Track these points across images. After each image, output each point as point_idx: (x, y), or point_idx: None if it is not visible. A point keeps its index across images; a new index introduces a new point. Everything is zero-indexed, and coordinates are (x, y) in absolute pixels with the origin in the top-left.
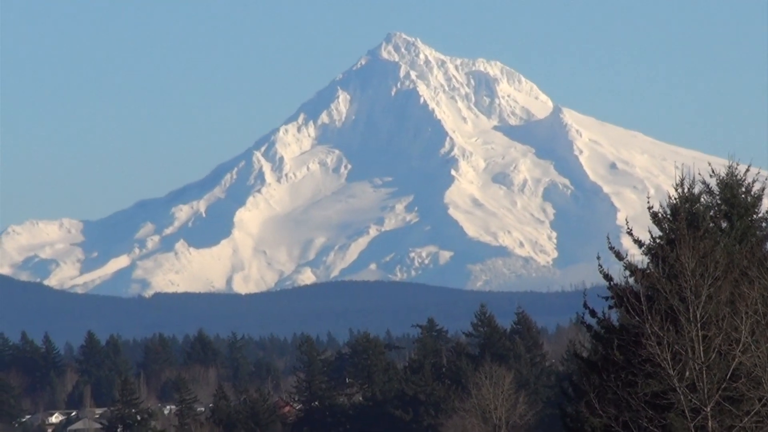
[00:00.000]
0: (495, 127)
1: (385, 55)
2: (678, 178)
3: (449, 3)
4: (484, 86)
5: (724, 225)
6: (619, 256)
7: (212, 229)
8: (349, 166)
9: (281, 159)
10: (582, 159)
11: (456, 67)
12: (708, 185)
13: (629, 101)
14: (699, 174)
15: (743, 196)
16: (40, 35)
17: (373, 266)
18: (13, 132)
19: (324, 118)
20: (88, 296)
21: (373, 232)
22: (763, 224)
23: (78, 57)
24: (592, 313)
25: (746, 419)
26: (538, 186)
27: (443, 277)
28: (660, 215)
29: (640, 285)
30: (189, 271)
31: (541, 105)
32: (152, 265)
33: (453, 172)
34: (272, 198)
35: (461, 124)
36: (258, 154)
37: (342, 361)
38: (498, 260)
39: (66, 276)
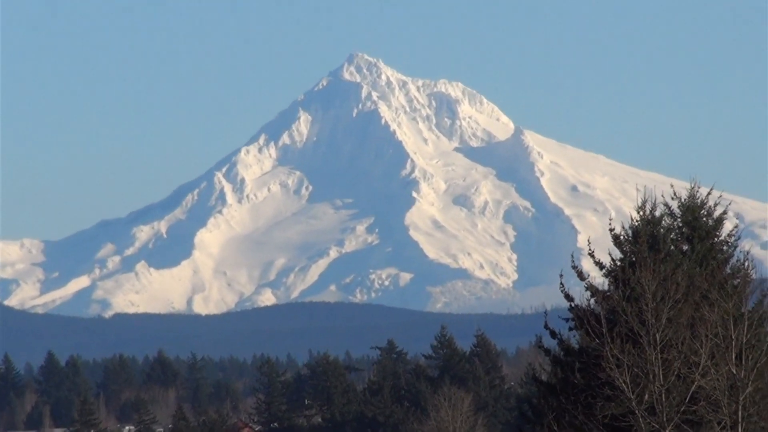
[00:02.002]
0: (456, 149)
1: (346, 76)
2: (639, 201)
3: (411, 24)
4: (446, 108)
5: (685, 248)
6: (581, 275)
7: (173, 249)
8: (310, 188)
9: (242, 180)
10: (543, 181)
11: (417, 88)
12: (670, 207)
13: (590, 123)
14: (662, 196)
15: (705, 218)
16: None
17: (333, 288)
18: None
19: (285, 139)
20: (49, 316)
21: (333, 253)
22: (724, 247)
23: (35, 78)
24: (553, 335)
25: None
26: (499, 208)
27: (403, 299)
28: (621, 237)
29: (600, 307)
30: (149, 292)
31: (502, 127)
32: (113, 286)
33: (414, 194)
34: (233, 219)
35: (422, 146)
36: (219, 175)
37: (301, 383)
38: (458, 282)
39: (26, 296)
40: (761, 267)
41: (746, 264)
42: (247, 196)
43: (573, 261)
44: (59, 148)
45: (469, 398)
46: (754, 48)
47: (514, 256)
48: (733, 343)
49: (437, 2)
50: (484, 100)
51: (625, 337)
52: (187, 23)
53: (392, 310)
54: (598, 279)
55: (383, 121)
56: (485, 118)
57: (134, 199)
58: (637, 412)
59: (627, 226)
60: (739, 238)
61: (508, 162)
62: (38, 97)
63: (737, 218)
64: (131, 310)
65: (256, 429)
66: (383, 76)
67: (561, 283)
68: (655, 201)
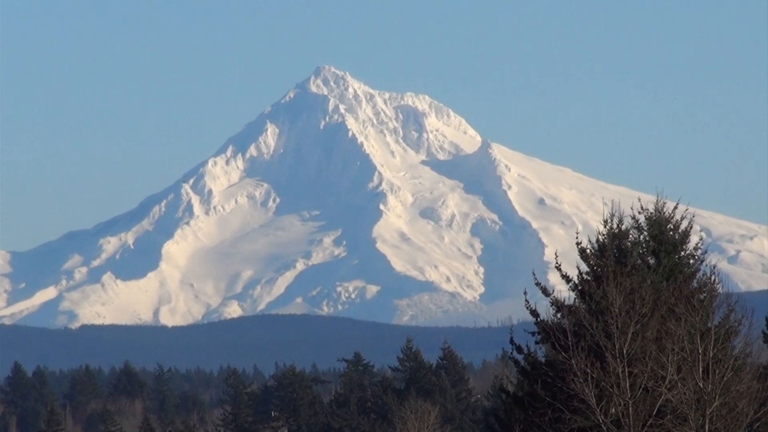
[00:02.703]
0: (423, 162)
1: (313, 88)
2: (606, 214)
3: (378, 38)
4: (413, 120)
5: (651, 261)
6: (545, 292)
7: (140, 261)
8: (278, 200)
9: (210, 192)
10: (510, 194)
11: (384, 101)
12: (637, 221)
13: (558, 137)
14: (631, 209)
15: (671, 233)
16: None
17: (299, 300)
18: None
19: (252, 151)
20: (15, 327)
21: (300, 266)
22: (691, 261)
23: (3, 87)
24: (519, 349)
25: None
26: (466, 221)
27: (370, 312)
28: (588, 251)
29: (566, 321)
30: (116, 303)
31: (469, 140)
32: (79, 297)
33: (381, 207)
34: (200, 231)
35: (389, 159)
36: (186, 187)
37: (268, 395)
38: (425, 295)
39: None
40: (728, 281)
41: (713, 278)
42: (215, 208)
43: (535, 278)
44: (26, 159)
45: (435, 411)
46: (720, 64)
47: (481, 269)
48: (700, 357)
49: (404, 16)
50: (452, 113)
51: (591, 350)
52: (155, 37)
53: (359, 322)
54: (565, 293)
55: (350, 133)
56: (452, 131)
57: (101, 211)
58: (603, 425)
59: (594, 240)
60: (705, 252)
61: (475, 175)
62: (4, 110)
63: (704, 232)
64: (98, 322)
65: None
66: (350, 89)
67: (526, 300)
68: (621, 215)
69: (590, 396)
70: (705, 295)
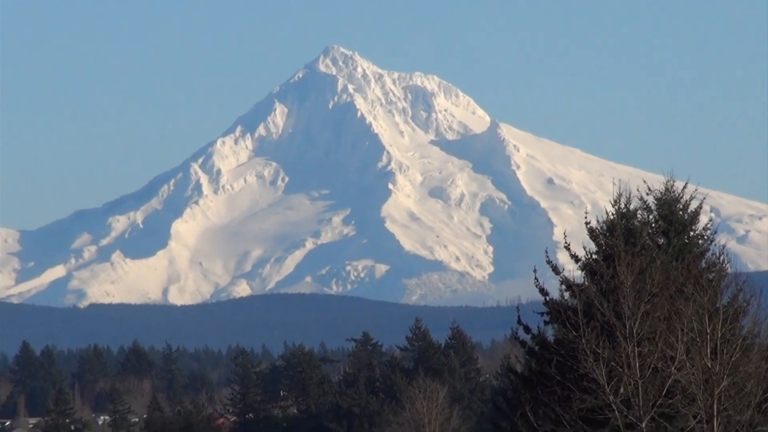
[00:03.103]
0: (432, 142)
1: (322, 68)
2: (615, 194)
3: (387, 17)
4: (422, 100)
5: (660, 241)
6: (555, 269)
7: (149, 240)
8: (287, 179)
9: (218, 171)
10: (519, 174)
11: (393, 81)
12: (645, 201)
13: (567, 117)
14: (638, 190)
15: (680, 212)
16: None
17: (308, 279)
18: None
19: (261, 130)
20: (24, 306)
21: (309, 244)
22: (700, 241)
23: (8, 70)
24: (526, 329)
25: None
26: (475, 200)
27: (379, 291)
28: (597, 231)
29: (576, 300)
30: (125, 282)
31: (478, 120)
32: (88, 276)
33: (390, 186)
34: (209, 210)
35: (398, 138)
36: (195, 166)
37: (277, 374)
38: (434, 274)
39: (2, 286)
40: (736, 261)
41: (722, 258)
42: (223, 187)
43: (547, 256)
44: (35, 138)
45: (444, 390)
46: (729, 44)
47: (490, 249)
48: (708, 337)
49: None
50: (460, 93)
51: (601, 330)
52: (164, 15)
53: (368, 302)
54: (574, 272)
55: (359, 113)
56: (461, 111)
57: (110, 189)
58: (613, 405)
59: (602, 220)
60: (715, 232)
61: (484, 155)
62: (13, 89)
63: (713, 213)
64: (107, 300)
65: (231, 419)
66: (359, 69)
67: (535, 278)
68: (630, 195)
69: (600, 375)
70: (714, 275)
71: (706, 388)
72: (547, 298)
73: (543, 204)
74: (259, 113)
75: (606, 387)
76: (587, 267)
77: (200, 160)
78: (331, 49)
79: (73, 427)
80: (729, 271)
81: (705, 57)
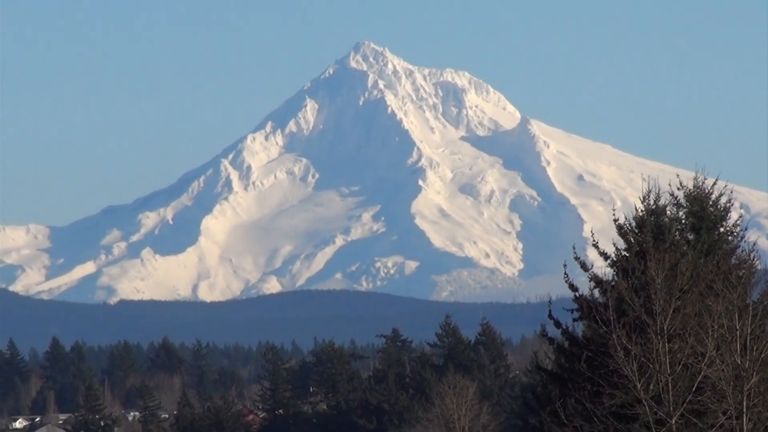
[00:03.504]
0: (462, 138)
1: (353, 64)
2: (644, 190)
3: (418, 13)
4: (452, 96)
5: (690, 238)
6: (584, 266)
7: (179, 236)
8: (317, 175)
9: (249, 167)
10: (549, 170)
11: (424, 77)
12: (675, 197)
13: (597, 113)
14: (669, 185)
15: (711, 209)
16: None
17: (339, 275)
18: None
19: (292, 126)
20: (54, 302)
21: (339, 241)
22: (730, 238)
23: (43, 64)
24: (557, 324)
25: None
26: (505, 197)
27: (409, 288)
28: (625, 227)
29: (607, 296)
30: (155, 278)
31: (508, 116)
32: (118, 272)
33: (420, 182)
34: (239, 206)
35: (429, 135)
36: (225, 162)
37: (306, 370)
38: (463, 271)
39: (32, 282)
40: (766, 258)
41: (752, 255)
42: (254, 184)
43: (575, 252)
44: (66, 134)
45: (473, 387)
46: (759, 40)
47: (520, 245)
48: (738, 333)
49: None
50: (491, 90)
51: (632, 326)
52: (195, 11)
53: (397, 298)
54: (603, 269)
55: (390, 109)
56: (492, 108)
57: (140, 186)
58: (644, 401)
59: (631, 216)
60: (745, 228)
61: (514, 151)
62: (45, 84)
63: (743, 209)
64: (136, 297)
65: (261, 416)
66: (390, 65)
67: (565, 274)
68: (659, 191)
69: (632, 371)
70: (744, 271)
71: (735, 385)
72: (577, 294)
73: (573, 200)
74: (289, 109)
75: (637, 383)
76: (617, 263)
77: (230, 157)
78: (361, 45)
79: (102, 423)
80: (759, 267)
81: (735, 53)
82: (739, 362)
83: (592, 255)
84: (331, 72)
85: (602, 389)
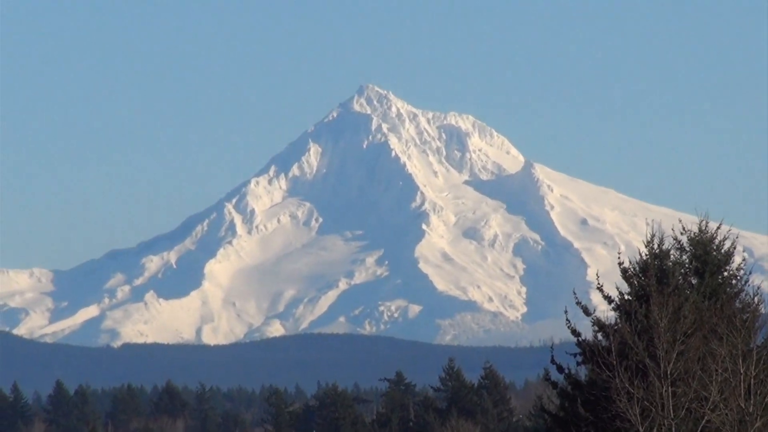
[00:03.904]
0: (466, 182)
1: (357, 107)
2: (648, 235)
3: (422, 56)
4: (456, 140)
5: (693, 281)
6: (586, 311)
7: (182, 280)
8: (320, 219)
9: (252, 211)
10: (553, 215)
11: (428, 121)
12: (679, 242)
13: (600, 158)
14: (672, 230)
15: (714, 252)
16: None
17: (342, 319)
18: None
19: (295, 170)
20: (58, 345)
21: (343, 285)
22: (733, 281)
23: (46, 108)
24: (560, 369)
25: None
26: (509, 241)
27: (412, 331)
28: (630, 271)
29: (610, 340)
30: (158, 322)
31: (512, 160)
32: (122, 316)
33: (424, 226)
34: (243, 250)
35: (432, 178)
36: (229, 206)
37: (310, 414)
38: (467, 315)
39: (35, 325)
40: None
41: (755, 299)
42: (257, 227)
43: (576, 297)
44: (69, 178)
45: (476, 430)
46: (760, 85)
47: (524, 289)
48: (742, 378)
49: (448, 35)
50: (495, 133)
51: (634, 370)
52: (198, 53)
53: (401, 342)
54: (606, 313)
55: (393, 153)
56: (495, 151)
57: (144, 230)
58: None
59: (635, 260)
60: (749, 272)
61: (518, 195)
62: (47, 126)
63: (746, 253)
64: (140, 340)
65: None
66: (393, 108)
67: (567, 320)
68: (663, 235)
69: (634, 416)
70: (747, 315)
71: (740, 429)
72: (580, 338)
73: (576, 244)
74: (293, 153)
75: (640, 427)
76: (621, 307)
77: (234, 201)
78: (365, 89)
79: None
80: (763, 311)
81: (738, 98)
82: (743, 406)
83: (596, 299)
84: (335, 115)
85: None
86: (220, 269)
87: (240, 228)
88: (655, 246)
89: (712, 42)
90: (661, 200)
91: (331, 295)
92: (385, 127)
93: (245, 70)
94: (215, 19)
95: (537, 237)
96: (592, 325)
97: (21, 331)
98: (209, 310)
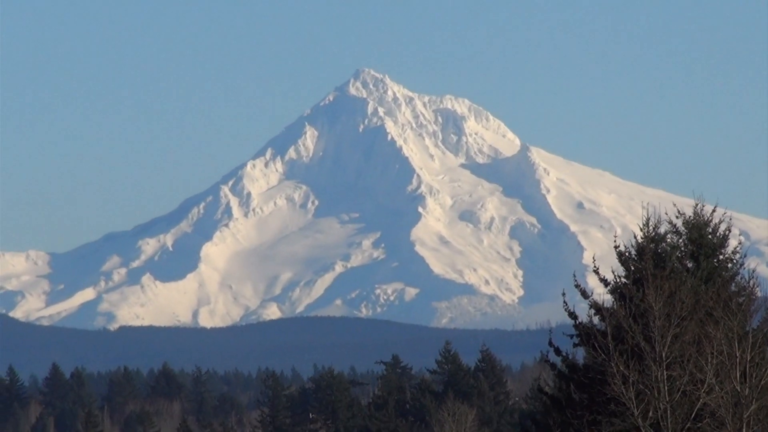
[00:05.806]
0: (462, 165)
1: (353, 91)
2: (644, 218)
3: (418, 40)
4: (452, 124)
5: (689, 265)
6: (584, 294)
7: (179, 262)
8: (317, 202)
9: (248, 194)
10: (549, 198)
11: (424, 104)
12: (675, 225)
13: (597, 140)
14: (666, 214)
15: (710, 236)
16: None
17: (338, 302)
18: None
19: (292, 153)
20: (54, 328)
21: (339, 268)
22: (729, 265)
23: (41, 90)
24: (557, 352)
25: None
26: (505, 224)
27: (409, 314)
28: (626, 254)
29: (606, 323)
30: (155, 305)
31: (508, 143)
32: (118, 298)
33: (420, 209)
34: (239, 233)
35: (428, 162)
36: (225, 189)
37: (306, 397)
38: (463, 298)
39: (32, 308)
40: (766, 285)
41: (751, 282)
42: (254, 210)
43: (575, 280)
44: (65, 160)
45: (473, 413)
46: (758, 69)
47: (520, 272)
48: (738, 360)
49: (444, 19)
50: (491, 117)
51: (630, 353)
52: (195, 37)
53: (397, 325)
54: (603, 296)
55: (389, 136)
56: (491, 135)
57: (140, 212)
58: (642, 428)
59: (631, 244)
60: (744, 255)
61: (514, 178)
62: (44, 109)
63: (742, 236)
64: (136, 323)
65: None
66: (389, 92)
67: (564, 302)
68: (659, 218)
69: (629, 399)
70: (743, 298)
71: (735, 412)
72: (577, 321)
73: (573, 228)
74: (289, 136)
75: (635, 410)
76: (616, 290)
77: (230, 183)
78: (361, 72)
79: None
80: (759, 294)
81: (736, 82)
82: (739, 389)
83: (592, 282)
84: (331, 99)
85: (601, 416)
86: (216, 252)
87: (236, 211)
88: (651, 229)
89: (707, 25)
90: (657, 183)
91: (328, 278)
92: (381, 110)
93: (242, 53)
94: (212, 4)
95: (533, 220)
96: (589, 308)
97: (17, 313)
98: (206, 293)
